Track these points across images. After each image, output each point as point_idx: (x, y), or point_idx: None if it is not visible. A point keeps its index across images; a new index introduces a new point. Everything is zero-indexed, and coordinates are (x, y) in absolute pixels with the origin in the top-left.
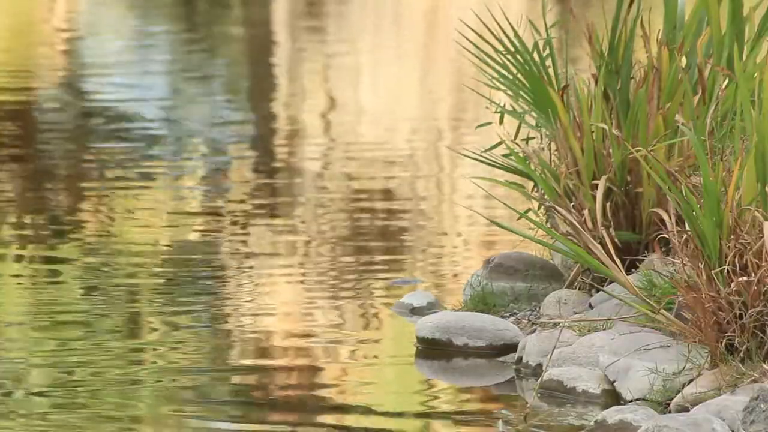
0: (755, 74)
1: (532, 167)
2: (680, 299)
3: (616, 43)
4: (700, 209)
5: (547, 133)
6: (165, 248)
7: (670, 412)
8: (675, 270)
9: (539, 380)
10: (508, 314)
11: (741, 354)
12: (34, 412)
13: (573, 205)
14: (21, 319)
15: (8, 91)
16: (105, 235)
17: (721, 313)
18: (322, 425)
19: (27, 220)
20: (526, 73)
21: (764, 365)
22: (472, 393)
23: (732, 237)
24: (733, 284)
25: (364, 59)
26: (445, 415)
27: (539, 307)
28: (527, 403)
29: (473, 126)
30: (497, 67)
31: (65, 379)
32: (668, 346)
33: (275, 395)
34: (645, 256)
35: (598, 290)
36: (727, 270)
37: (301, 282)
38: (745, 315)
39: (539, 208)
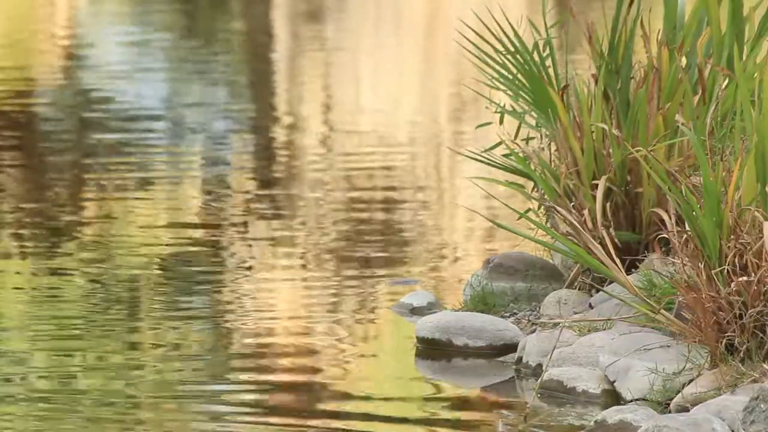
0: (755, 74)
1: (532, 167)
2: (680, 299)
3: (616, 43)
4: (700, 209)
5: (547, 133)
6: (165, 251)
7: (670, 412)
8: (675, 270)
9: (539, 380)
10: (508, 314)
11: (741, 354)
12: (33, 414)
13: (573, 205)
14: (20, 326)
15: (8, 92)
16: (104, 240)
17: (721, 313)
18: (322, 425)
19: (26, 222)
20: (526, 73)
21: (764, 365)
22: (472, 393)
23: (732, 237)
24: (733, 284)
25: (364, 59)
26: (445, 415)
27: (539, 307)
28: (527, 403)
29: (473, 126)
30: (497, 67)
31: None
32: (668, 346)
33: (275, 395)
34: (645, 256)
35: (598, 290)
36: (727, 270)
37: (301, 282)
38: (745, 315)
39: (539, 208)
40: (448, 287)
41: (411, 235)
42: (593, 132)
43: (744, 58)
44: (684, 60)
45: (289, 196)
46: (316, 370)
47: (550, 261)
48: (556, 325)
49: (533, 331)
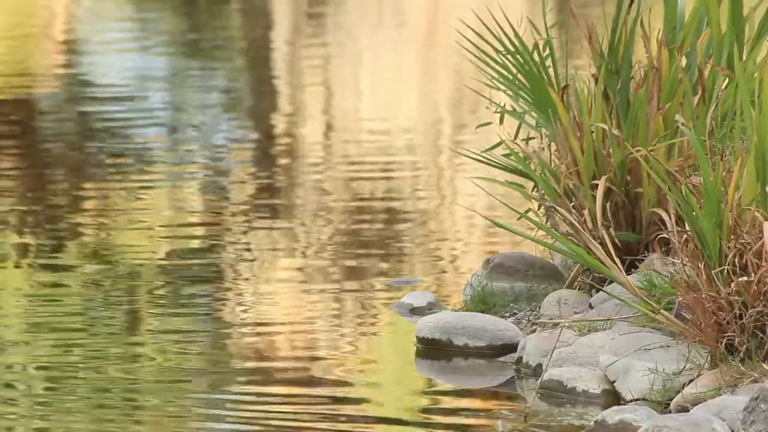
0: (755, 74)
1: (532, 167)
2: (680, 299)
3: (616, 43)
4: (700, 209)
5: (547, 133)
6: (165, 251)
7: (670, 412)
8: (675, 270)
9: (539, 380)
10: (508, 314)
11: (741, 354)
12: (36, 414)
13: (573, 205)
14: (20, 325)
15: (7, 93)
16: (104, 242)
17: (721, 313)
18: (322, 425)
19: (26, 223)
20: (526, 73)
21: (764, 365)
22: (472, 393)
23: (732, 237)
24: (733, 284)
25: (364, 59)
26: (445, 416)
27: (539, 307)
28: (527, 403)
29: (473, 126)
30: (497, 67)
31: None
32: (668, 346)
33: (274, 395)
34: (645, 256)
35: (598, 290)
36: (727, 270)
37: (302, 282)
38: (745, 315)
39: (539, 208)
40: (448, 287)
41: (411, 235)
42: (593, 132)
43: (744, 58)
44: (684, 60)
45: (289, 197)
46: (315, 370)
47: (550, 261)
48: (556, 325)
49: (533, 331)
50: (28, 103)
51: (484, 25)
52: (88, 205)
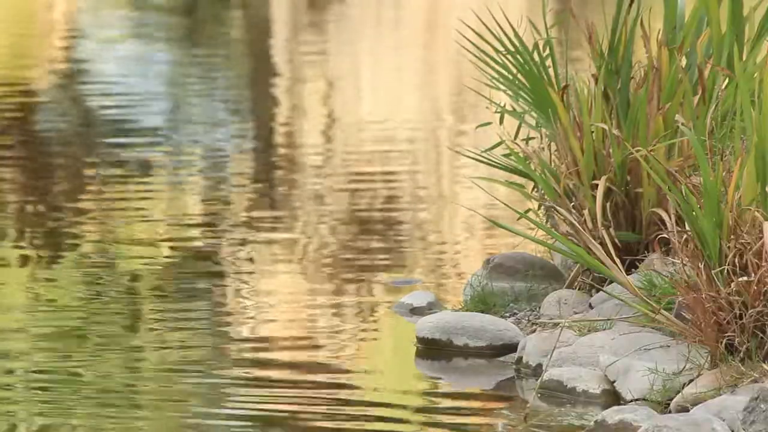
0: (755, 74)
1: (532, 167)
2: (680, 299)
3: (616, 43)
4: (700, 209)
5: (547, 133)
6: (165, 249)
7: (670, 412)
8: (675, 270)
9: (539, 380)
10: (508, 314)
11: (741, 354)
12: (36, 413)
13: (573, 205)
14: (20, 324)
15: (6, 95)
16: (104, 243)
17: (721, 313)
18: (322, 425)
19: (25, 223)
20: (526, 73)
21: (764, 365)
22: (472, 393)
23: (732, 237)
24: (733, 284)
25: (364, 59)
26: (445, 416)
27: (539, 307)
28: (527, 403)
29: (473, 126)
30: (497, 67)
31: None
32: (668, 346)
33: (274, 395)
34: (645, 256)
35: (598, 290)
36: (727, 270)
37: (302, 282)
38: (745, 315)
39: (539, 208)
40: (448, 287)
41: (411, 235)
42: (593, 132)
43: (744, 58)
44: (684, 60)
45: (289, 196)
46: (315, 369)
47: (550, 261)
48: (556, 325)
49: (533, 331)
50: (26, 106)
51: (484, 25)
52: (85, 208)
